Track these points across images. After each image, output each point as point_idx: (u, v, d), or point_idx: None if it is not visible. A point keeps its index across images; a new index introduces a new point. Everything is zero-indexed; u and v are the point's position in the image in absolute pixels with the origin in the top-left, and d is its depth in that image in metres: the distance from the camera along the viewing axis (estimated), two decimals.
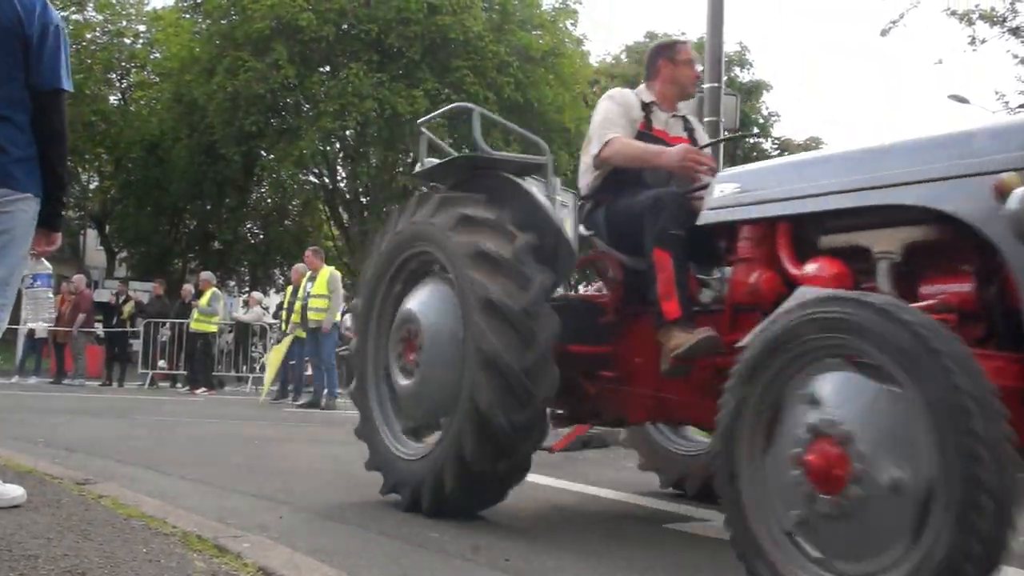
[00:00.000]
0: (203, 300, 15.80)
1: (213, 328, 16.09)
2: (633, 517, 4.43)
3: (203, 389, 15.64)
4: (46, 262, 3.81)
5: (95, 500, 3.55)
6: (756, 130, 31.45)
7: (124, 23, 29.23)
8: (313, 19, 21.78)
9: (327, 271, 12.78)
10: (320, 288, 12.59)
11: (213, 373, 16.79)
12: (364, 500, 4.51)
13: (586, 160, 4.52)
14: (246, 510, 4.03)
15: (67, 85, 3.56)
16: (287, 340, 13.50)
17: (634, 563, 3.41)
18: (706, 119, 8.85)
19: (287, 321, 13.79)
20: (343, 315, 14.13)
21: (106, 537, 2.86)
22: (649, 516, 4.46)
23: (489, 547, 3.53)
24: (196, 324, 15.75)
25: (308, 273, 13.06)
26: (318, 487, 4.95)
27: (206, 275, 16.84)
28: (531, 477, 5.71)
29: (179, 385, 16.55)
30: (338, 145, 26.18)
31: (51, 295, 4.41)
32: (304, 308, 12.70)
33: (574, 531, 3.98)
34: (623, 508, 4.72)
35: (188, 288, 18.00)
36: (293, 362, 13.92)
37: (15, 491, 3.36)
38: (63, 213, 3.76)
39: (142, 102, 29.66)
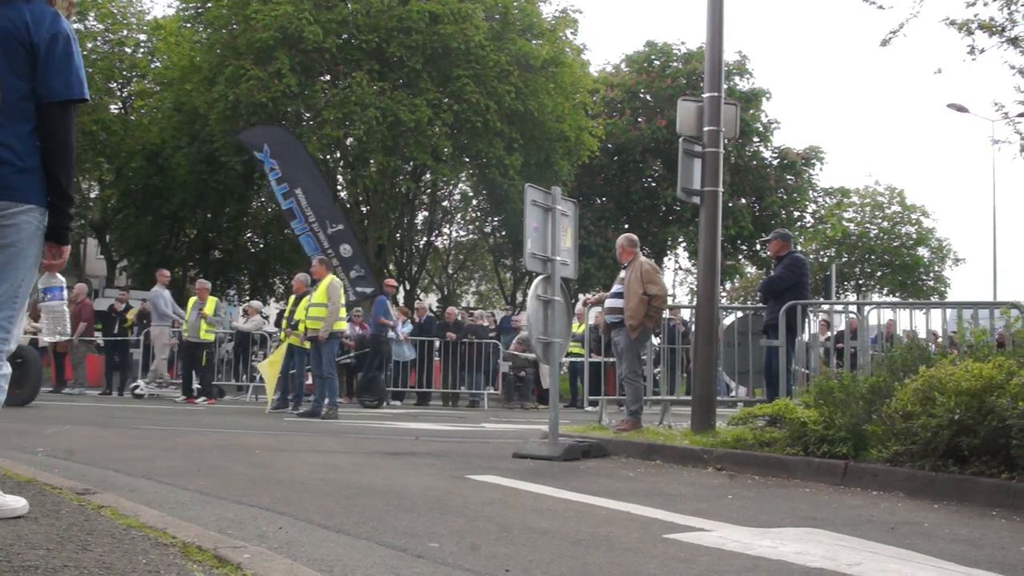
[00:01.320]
0: (209, 308, 15.64)
1: (211, 337, 16.00)
2: (632, 527, 4.42)
3: (203, 398, 15.54)
4: (60, 275, 3.80)
5: (95, 510, 3.54)
6: (756, 138, 31.47)
7: (125, 32, 29.25)
8: (319, 32, 21.82)
9: (328, 280, 12.75)
10: (320, 297, 12.57)
11: (213, 382, 16.74)
12: (364, 510, 4.51)
13: None
14: (247, 520, 4.02)
15: (79, 94, 3.51)
16: (281, 349, 13.46)
17: (633, 573, 3.41)
18: (706, 128, 8.85)
19: (285, 330, 13.82)
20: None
21: (106, 548, 2.86)
22: (648, 526, 4.45)
23: (489, 557, 3.53)
24: (204, 335, 15.59)
25: (313, 284, 13.04)
26: (318, 497, 4.94)
27: (204, 283, 16.68)
28: (531, 486, 5.73)
29: (178, 399, 16.21)
30: (338, 153, 26.19)
31: (66, 308, 4.40)
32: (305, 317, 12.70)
33: (573, 541, 3.97)
34: (622, 517, 4.71)
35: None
36: (293, 371, 13.90)
37: (17, 502, 3.35)
38: (70, 227, 3.65)
39: (143, 111, 29.64)
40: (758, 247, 31.49)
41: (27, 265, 3.46)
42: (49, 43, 3.42)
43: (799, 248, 33.49)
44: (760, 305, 10.86)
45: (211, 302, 15.75)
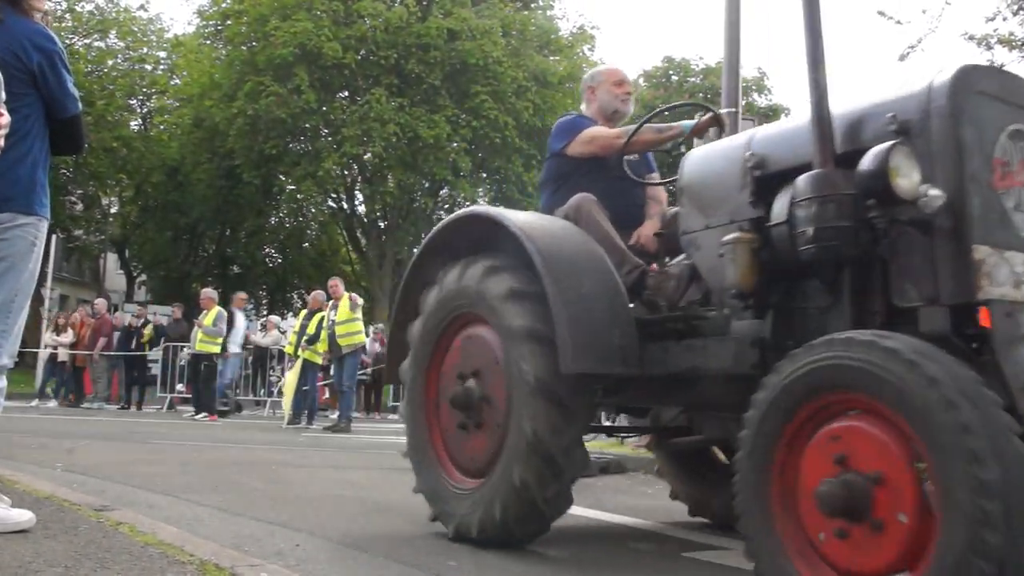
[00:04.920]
0: (207, 319, 14.77)
1: (216, 349, 15.09)
2: (652, 545, 4.39)
3: (203, 414, 14.60)
4: None
5: (113, 527, 3.53)
6: None
7: (145, 50, 29.56)
8: (339, 49, 21.96)
9: (347, 297, 12.91)
10: (345, 314, 12.66)
11: (235, 397, 16.70)
12: (382, 527, 4.49)
13: None
14: (264, 537, 4.01)
15: (79, 105, 3.64)
16: (299, 364, 13.49)
17: None
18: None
19: (296, 345, 13.83)
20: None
21: (124, 566, 2.85)
22: (668, 544, 4.41)
23: None
24: (200, 345, 14.78)
25: (331, 302, 13.09)
26: (336, 513, 4.93)
27: (208, 292, 15.72)
28: None
29: (188, 414, 15.77)
30: (356, 168, 26.33)
31: None
32: (331, 336, 12.71)
33: (592, 560, 3.94)
34: (641, 536, 4.67)
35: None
36: (307, 387, 13.88)
37: (22, 516, 3.34)
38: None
39: (163, 127, 29.93)
40: None
41: (21, 280, 3.47)
42: (50, 65, 3.50)
43: None
44: None
45: (212, 312, 14.87)
